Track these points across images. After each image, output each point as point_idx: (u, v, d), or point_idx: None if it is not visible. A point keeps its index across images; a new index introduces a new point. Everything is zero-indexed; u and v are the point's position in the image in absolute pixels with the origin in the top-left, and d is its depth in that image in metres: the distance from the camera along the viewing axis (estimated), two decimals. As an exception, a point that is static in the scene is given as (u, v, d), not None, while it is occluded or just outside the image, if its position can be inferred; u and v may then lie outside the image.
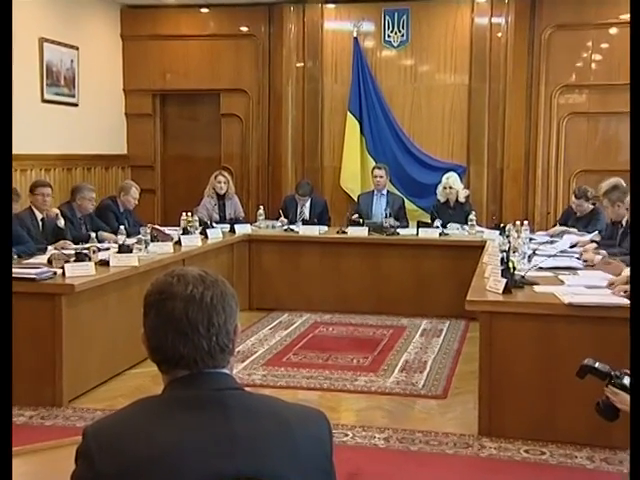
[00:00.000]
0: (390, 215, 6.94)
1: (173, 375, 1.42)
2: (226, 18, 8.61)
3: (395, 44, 8.29)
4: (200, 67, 8.68)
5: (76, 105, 8.00)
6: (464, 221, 6.93)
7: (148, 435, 1.32)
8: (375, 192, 7.37)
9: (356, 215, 7.16)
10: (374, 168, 7.49)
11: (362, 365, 5.21)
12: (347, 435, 3.93)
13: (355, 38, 8.24)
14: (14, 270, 4.34)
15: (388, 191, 7.44)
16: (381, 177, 7.31)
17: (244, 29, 8.59)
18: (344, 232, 6.90)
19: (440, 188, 7.24)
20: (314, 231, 6.90)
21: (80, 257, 4.68)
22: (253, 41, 8.58)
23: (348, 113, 8.24)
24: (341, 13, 8.37)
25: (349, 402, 4.52)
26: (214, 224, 6.89)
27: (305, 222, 7.10)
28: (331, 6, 8.37)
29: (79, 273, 4.47)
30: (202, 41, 8.67)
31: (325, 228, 7.13)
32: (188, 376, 1.40)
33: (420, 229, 6.77)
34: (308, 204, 7.46)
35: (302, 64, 8.45)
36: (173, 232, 6.29)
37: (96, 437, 1.33)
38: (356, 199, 7.66)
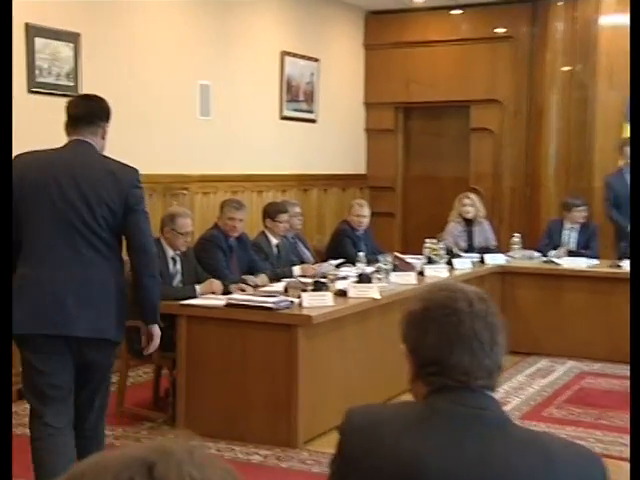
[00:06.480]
0: None
1: (437, 384, 1.50)
2: (480, 19, 8.45)
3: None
4: (448, 76, 8.59)
5: (314, 121, 8.21)
6: None
7: (399, 437, 1.45)
8: None
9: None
10: None
11: (644, 430, 4.72)
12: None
13: (635, 34, 7.68)
14: (251, 298, 4.50)
15: None
16: None
17: (500, 31, 8.37)
18: (618, 266, 6.40)
19: None
20: (580, 264, 6.49)
21: (318, 286, 4.74)
22: (511, 44, 8.33)
23: (625, 125, 7.68)
24: (623, 5, 7.77)
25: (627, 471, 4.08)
26: (461, 253, 6.73)
27: (571, 253, 6.69)
28: (611, -3, 7.88)
29: (316, 303, 4.51)
30: (451, 46, 8.58)
31: (595, 261, 6.67)
32: (458, 389, 1.49)
33: None
34: (577, 230, 7.02)
35: (569, 68, 8.05)
36: (415, 261, 6.22)
37: (351, 419, 1.54)
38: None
